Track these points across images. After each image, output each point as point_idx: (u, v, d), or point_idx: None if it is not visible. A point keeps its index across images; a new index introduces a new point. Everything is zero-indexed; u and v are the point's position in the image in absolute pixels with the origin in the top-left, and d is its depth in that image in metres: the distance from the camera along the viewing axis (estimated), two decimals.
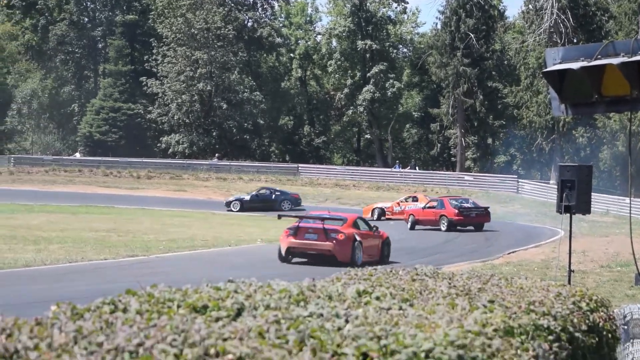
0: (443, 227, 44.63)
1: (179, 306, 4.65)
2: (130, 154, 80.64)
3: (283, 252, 29.08)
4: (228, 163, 77.70)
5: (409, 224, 46.22)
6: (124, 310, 4.44)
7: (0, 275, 22.70)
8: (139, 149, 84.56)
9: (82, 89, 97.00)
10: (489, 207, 47.31)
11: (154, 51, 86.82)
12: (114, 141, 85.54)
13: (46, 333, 3.70)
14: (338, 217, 30.73)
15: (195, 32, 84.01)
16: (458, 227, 44.87)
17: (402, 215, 50.42)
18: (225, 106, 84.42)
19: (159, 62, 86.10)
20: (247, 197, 57.48)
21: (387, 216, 52.43)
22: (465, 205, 46.28)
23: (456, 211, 44.85)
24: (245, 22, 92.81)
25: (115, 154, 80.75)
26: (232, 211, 55.35)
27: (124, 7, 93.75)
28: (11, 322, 3.83)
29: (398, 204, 52.97)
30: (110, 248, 31.28)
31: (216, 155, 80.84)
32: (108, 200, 57.65)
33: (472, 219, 45.47)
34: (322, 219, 29.70)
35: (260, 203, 56.67)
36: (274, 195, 57.98)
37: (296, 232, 28.94)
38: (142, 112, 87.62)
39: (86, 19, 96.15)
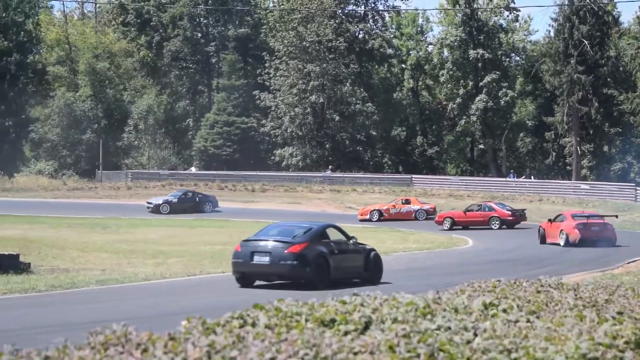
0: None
1: (306, 320, 4.65)
2: (244, 167, 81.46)
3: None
4: (341, 175, 77.87)
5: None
6: (253, 325, 4.46)
7: (121, 289, 23.07)
8: (253, 162, 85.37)
9: (196, 104, 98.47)
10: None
11: (267, 65, 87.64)
12: (229, 155, 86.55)
13: (180, 348, 3.73)
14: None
15: (307, 45, 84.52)
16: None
17: (400, 216, 55.84)
18: (337, 118, 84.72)
19: (271, 75, 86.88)
20: (175, 200, 61.32)
21: (384, 217, 55.81)
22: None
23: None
24: (357, 34, 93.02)
25: (229, 168, 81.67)
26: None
27: (236, 22, 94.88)
28: (146, 337, 3.87)
29: (394, 205, 57.22)
30: (227, 261, 31.55)
31: (329, 167, 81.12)
32: (223, 214, 58.30)
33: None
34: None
35: (187, 204, 60.90)
36: (197, 198, 62.38)
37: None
38: (256, 126, 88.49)
39: (199, 35, 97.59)
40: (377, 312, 4.89)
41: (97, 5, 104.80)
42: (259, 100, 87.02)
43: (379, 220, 55.03)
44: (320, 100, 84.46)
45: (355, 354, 3.83)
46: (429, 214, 56.25)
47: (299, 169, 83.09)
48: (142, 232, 45.59)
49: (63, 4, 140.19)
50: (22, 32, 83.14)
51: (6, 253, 27.44)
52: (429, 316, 5.04)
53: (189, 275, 26.99)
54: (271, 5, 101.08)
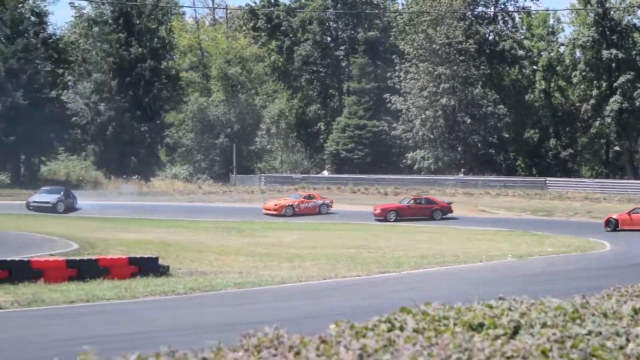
0: None
1: (455, 324, 4.63)
2: (376, 170, 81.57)
3: None
4: (474, 178, 77.25)
5: None
6: (401, 328, 4.46)
7: (258, 292, 23.36)
8: (385, 165, 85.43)
9: (327, 108, 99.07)
10: None
11: (397, 68, 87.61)
12: (360, 158, 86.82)
13: (332, 351, 3.76)
14: None
15: (437, 47, 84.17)
16: None
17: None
18: (469, 121, 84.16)
19: (401, 78, 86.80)
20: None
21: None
22: None
23: None
24: (487, 36, 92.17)
25: (361, 171, 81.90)
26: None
27: (366, 25, 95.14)
28: (298, 339, 3.91)
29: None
30: (361, 264, 31.65)
31: (462, 170, 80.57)
32: (355, 217, 58.39)
33: None
34: None
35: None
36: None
37: None
38: (387, 129, 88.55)
39: (329, 39, 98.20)
40: (525, 317, 4.83)
41: (228, 11, 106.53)
42: (390, 104, 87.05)
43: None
44: (452, 103, 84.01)
45: (508, 358, 3.79)
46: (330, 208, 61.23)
47: (431, 172, 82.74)
48: (276, 235, 46.01)
49: (195, 11, 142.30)
50: (155, 39, 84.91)
51: (146, 256, 28.11)
52: (577, 321, 4.96)
53: (325, 279, 27.15)
54: (400, 7, 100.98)
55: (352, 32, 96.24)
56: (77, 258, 26.75)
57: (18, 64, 74.89)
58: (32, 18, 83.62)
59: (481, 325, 4.61)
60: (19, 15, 79.12)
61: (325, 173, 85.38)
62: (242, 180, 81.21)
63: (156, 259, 27.51)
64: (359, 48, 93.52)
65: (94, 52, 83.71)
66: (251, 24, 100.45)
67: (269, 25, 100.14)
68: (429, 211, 58.05)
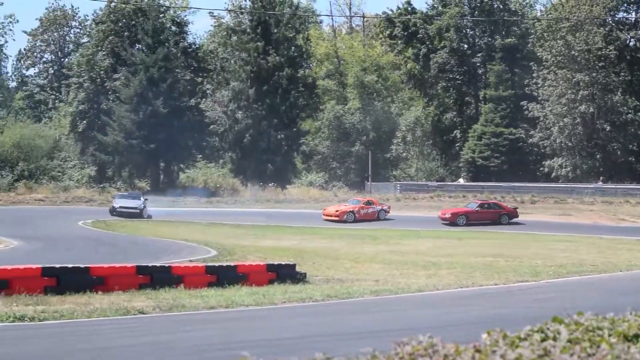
0: None
1: (609, 334, 4.51)
2: (512, 178, 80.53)
3: None
4: (613, 186, 75.49)
5: None
6: (554, 339, 4.36)
7: (395, 300, 23.30)
8: (522, 173, 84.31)
9: (463, 115, 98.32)
10: None
11: (534, 75, 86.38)
12: (496, 166, 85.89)
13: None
14: None
15: (576, 54, 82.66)
16: None
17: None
18: (608, 128, 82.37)
19: (539, 85, 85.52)
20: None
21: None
22: None
23: None
24: (627, 42, 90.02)
25: (497, 179, 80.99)
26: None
27: (503, 32, 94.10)
28: (452, 348, 3.87)
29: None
30: (498, 273, 31.30)
31: (601, 178, 78.89)
32: (493, 226, 57.77)
33: None
34: None
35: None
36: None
37: None
38: (524, 137, 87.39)
39: (466, 46, 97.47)
40: None
41: (365, 19, 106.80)
42: (527, 111, 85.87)
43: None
44: (590, 110, 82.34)
45: None
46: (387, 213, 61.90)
47: (569, 180, 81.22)
48: (411, 243, 45.90)
49: (332, 19, 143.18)
50: (292, 47, 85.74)
51: (283, 263, 28.36)
52: None
53: (462, 287, 26.94)
54: (539, 14, 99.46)
55: (490, 39, 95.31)
56: (217, 264, 27.15)
57: (159, 72, 76.59)
58: (173, 28, 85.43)
59: (636, 336, 4.48)
60: (160, 25, 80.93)
61: (461, 181, 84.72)
62: (377, 188, 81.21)
63: (294, 265, 27.72)
64: (496, 55, 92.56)
65: (232, 61, 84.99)
66: (387, 32, 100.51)
67: (405, 33, 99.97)
68: (497, 215, 59.37)
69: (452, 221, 58.44)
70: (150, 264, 24.89)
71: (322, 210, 62.04)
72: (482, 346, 3.97)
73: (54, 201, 66.56)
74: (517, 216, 59.80)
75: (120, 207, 57.80)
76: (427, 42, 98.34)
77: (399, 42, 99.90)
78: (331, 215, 59.72)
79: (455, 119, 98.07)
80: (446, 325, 16.17)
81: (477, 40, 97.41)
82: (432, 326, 15.95)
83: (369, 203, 62.08)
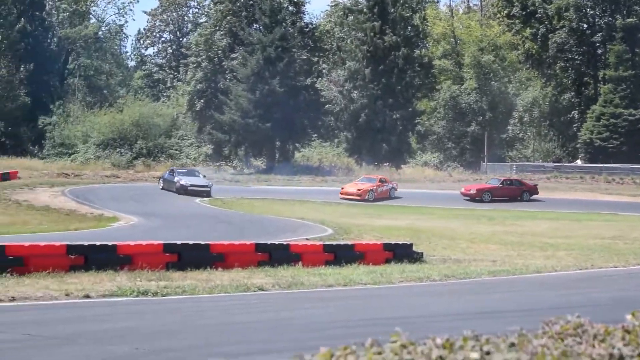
0: None
1: None
2: (632, 160, 78.89)
3: None
4: None
5: None
6: None
7: (513, 281, 23.11)
8: None
9: (581, 96, 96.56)
10: None
11: None
12: (615, 147, 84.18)
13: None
14: None
15: None
16: None
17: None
18: None
19: None
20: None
21: None
22: None
23: None
24: None
25: (616, 161, 79.44)
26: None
27: (624, 12, 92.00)
28: (602, 328, 3.82)
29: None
30: (618, 256, 30.77)
31: None
32: (611, 208, 56.75)
33: None
34: None
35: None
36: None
37: None
38: None
39: (585, 25, 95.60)
40: None
41: None
42: None
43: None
44: None
45: None
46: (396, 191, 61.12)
47: None
48: (527, 224, 45.40)
49: None
50: (409, 27, 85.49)
51: (400, 242, 28.35)
52: None
53: (580, 269, 26.55)
54: None
55: (610, 18, 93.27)
56: (334, 243, 27.31)
57: (275, 52, 77.11)
58: (290, 7, 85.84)
59: None
60: (277, 5, 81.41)
61: (579, 162, 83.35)
62: (492, 168, 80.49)
63: (410, 245, 27.67)
64: (616, 35, 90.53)
65: (348, 41, 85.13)
66: (505, 12, 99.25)
67: (523, 13, 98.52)
68: (519, 192, 61.39)
69: (478, 197, 59.61)
70: (269, 242, 25.16)
71: (341, 188, 60.15)
72: (631, 327, 3.91)
73: None
74: (537, 192, 62.11)
75: (192, 185, 55.99)
76: (546, 22, 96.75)
77: (517, 21, 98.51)
78: (352, 195, 57.77)
79: (573, 100, 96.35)
80: (567, 307, 15.94)
81: (597, 19, 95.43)
82: (552, 307, 15.78)
83: (383, 181, 61.27)
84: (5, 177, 60.30)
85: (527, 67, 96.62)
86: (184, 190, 55.22)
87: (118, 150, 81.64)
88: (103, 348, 11.62)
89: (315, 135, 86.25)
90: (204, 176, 59.03)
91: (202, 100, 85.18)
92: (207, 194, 54.94)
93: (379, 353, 3.42)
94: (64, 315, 14.45)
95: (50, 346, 11.58)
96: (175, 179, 57.08)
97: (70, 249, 19.84)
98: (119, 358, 11.15)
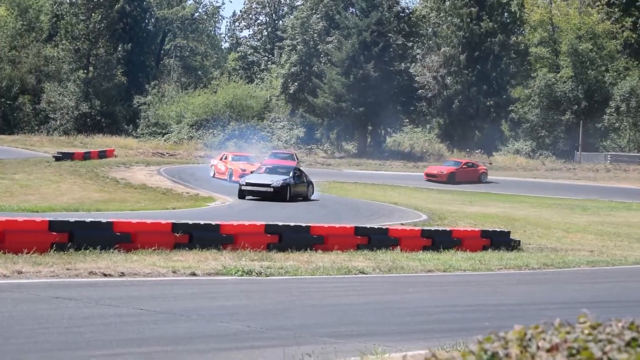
0: None
1: None
2: None
3: None
4: None
5: None
6: None
7: (613, 272, 22.95)
8: None
9: None
10: None
11: None
12: None
13: None
14: None
15: None
16: None
17: None
18: None
19: None
20: None
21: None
22: None
23: None
24: None
25: None
26: None
27: None
28: None
29: None
30: None
31: None
32: None
33: None
34: None
35: None
36: None
37: None
38: None
39: None
40: None
41: None
42: None
43: None
44: None
45: None
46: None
47: None
48: (623, 215, 44.85)
49: None
50: (506, 14, 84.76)
51: (498, 230, 28.29)
52: None
53: None
54: None
55: None
56: (432, 228, 27.35)
57: (371, 37, 77.14)
58: None
59: None
60: None
61: None
62: (586, 158, 79.51)
63: (508, 233, 27.61)
64: None
65: (444, 26, 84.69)
66: (605, 0, 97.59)
67: (623, 1, 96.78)
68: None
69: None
70: (368, 226, 25.32)
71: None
72: None
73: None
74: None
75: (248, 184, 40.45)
76: None
77: (616, 9, 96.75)
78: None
79: None
80: None
81: None
82: None
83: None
84: (102, 155, 61.42)
85: (625, 56, 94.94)
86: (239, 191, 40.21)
87: (211, 131, 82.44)
88: (215, 325, 11.89)
89: (407, 120, 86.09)
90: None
91: (296, 83, 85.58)
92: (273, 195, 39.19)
93: (568, 333, 3.52)
94: (173, 291, 14.79)
95: (163, 321, 11.88)
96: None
97: (176, 227, 20.21)
98: (231, 335, 11.41)
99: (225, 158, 51.47)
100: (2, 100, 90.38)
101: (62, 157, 56.84)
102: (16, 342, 10.21)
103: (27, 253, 16.58)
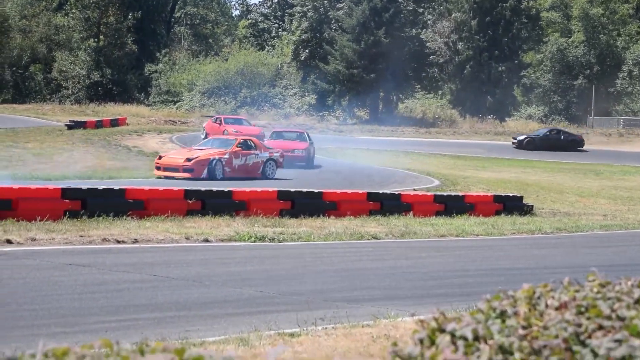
0: None
1: None
2: None
3: None
4: None
5: None
6: None
7: (626, 235, 22.97)
8: None
9: None
10: None
11: None
12: None
13: None
14: None
15: None
16: None
17: None
18: None
19: None
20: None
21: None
22: None
23: None
24: None
25: None
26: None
27: None
28: None
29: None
30: None
31: None
32: None
33: None
34: None
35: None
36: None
37: None
38: None
39: None
40: None
41: None
42: None
43: None
44: None
45: None
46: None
47: None
48: (636, 179, 44.75)
49: None
50: None
51: (510, 194, 28.28)
52: None
53: None
54: None
55: None
56: (444, 194, 27.35)
57: (381, 2, 76.80)
58: None
59: None
60: None
61: None
62: (599, 122, 79.28)
63: (520, 197, 27.56)
64: None
65: None
66: None
67: None
68: None
69: None
70: (380, 191, 25.33)
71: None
72: None
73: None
74: None
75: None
76: None
77: None
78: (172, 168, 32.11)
79: None
80: None
81: None
82: None
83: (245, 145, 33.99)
84: (114, 123, 61.46)
85: (637, 20, 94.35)
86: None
87: (223, 98, 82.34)
88: (228, 290, 11.97)
89: (419, 86, 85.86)
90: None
91: (306, 50, 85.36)
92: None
93: (577, 291, 3.54)
94: (186, 257, 14.87)
95: (176, 287, 11.97)
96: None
97: (188, 193, 20.29)
98: (244, 300, 11.48)
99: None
100: (14, 69, 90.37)
101: (74, 125, 56.94)
102: (30, 307, 10.30)
103: (40, 220, 16.70)
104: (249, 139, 34.67)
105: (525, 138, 61.98)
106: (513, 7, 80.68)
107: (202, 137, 47.49)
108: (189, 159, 30.78)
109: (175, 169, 30.66)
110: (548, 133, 63.23)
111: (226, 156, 31.84)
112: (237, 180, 30.00)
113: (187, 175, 30.25)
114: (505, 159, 54.25)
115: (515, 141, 62.07)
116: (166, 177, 30.23)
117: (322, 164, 43.40)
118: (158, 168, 31.30)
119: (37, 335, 8.62)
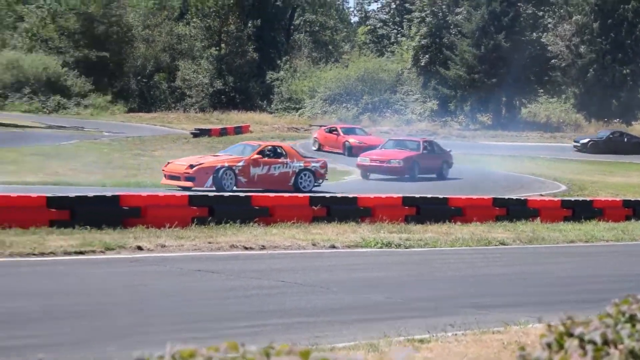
0: None
1: None
2: None
3: None
4: None
5: None
6: None
7: None
8: None
9: None
10: None
11: None
12: None
13: None
14: None
15: None
16: None
17: None
18: None
19: None
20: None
21: None
22: None
23: None
24: None
25: None
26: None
27: None
28: None
29: None
30: None
31: None
32: None
33: None
34: None
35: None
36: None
37: None
38: None
39: None
40: None
41: None
42: None
43: None
44: None
45: None
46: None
47: None
48: None
49: None
50: None
51: None
52: None
53: None
54: None
55: None
56: (572, 199, 26.86)
57: (501, 6, 76.02)
58: None
59: None
60: None
61: None
62: None
63: None
64: None
65: None
66: None
67: None
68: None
69: None
70: (506, 197, 25.01)
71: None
72: None
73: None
74: None
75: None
76: None
77: None
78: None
79: None
80: None
81: None
82: None
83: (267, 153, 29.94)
84: (238, 130, 62.30)
85: None
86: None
87: (344, 105, 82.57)
88: (356, 296, 11.95)
89: (542, 90, 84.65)
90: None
91: (426, 56, 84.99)
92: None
93: None
94: (313, 263, 14.92)
95: (304, 293, 12.00)
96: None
97: (313, 200, 20.38)
98: (372, 306, 11.44)
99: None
100: (139, 78, 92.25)
101: (199, 133, 57.84)
102: (161, 313, 10.45)
103: (169, 227, 16.93)
104: (279, 146, 31.75)
105: (589, 141, 60.49)
106: (635, 9, 78.94)
107: (314, 148, 47.58)
108: (191, 166, 27.93)
109: (177, 177, 28.04)
110: (611, 135, 61.65)
111: (240, 164, 28.42)
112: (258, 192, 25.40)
113: (189, 184, 27.25)
114: (635, 163, 53.05)
115: (577, 144, 60.65)
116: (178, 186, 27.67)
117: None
118: (165, 175, 28.69)
119: (168, 340, 8.70)
